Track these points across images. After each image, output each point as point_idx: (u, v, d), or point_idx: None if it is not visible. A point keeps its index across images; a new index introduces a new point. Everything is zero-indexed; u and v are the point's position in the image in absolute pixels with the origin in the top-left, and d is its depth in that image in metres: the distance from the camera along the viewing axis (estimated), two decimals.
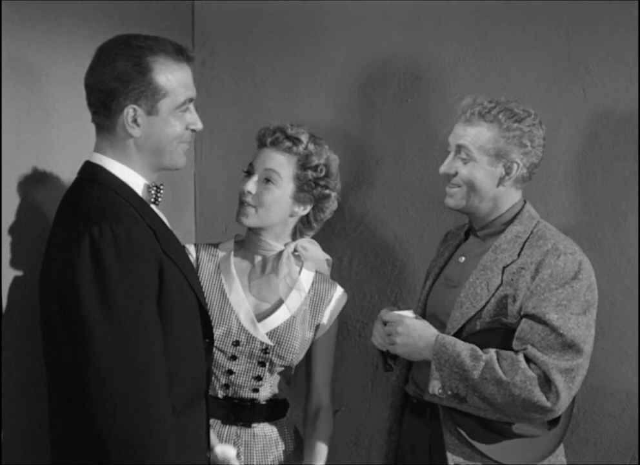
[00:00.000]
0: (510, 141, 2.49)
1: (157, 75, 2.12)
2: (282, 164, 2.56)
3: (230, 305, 2.54)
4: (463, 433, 2.44)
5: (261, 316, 2.59)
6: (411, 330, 2.46)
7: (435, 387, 2.41)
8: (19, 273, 2.33)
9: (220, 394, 2.58)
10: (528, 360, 2.37)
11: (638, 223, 2.88)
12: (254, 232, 2.63)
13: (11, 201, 2.31)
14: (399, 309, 2.61)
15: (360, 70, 3.16)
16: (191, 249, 2.64)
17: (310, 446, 2.65)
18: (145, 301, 2.05)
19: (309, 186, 2.58)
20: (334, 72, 3.18)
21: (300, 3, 3.19)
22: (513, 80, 2.99)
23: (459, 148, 2.52)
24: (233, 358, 2.54)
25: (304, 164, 2.58)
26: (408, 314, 2.52)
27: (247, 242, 2.66)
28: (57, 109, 2.48)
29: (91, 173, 2.16)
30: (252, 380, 2.57)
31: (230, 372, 2.54)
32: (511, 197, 2.55)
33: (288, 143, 2.56)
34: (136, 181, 2.18)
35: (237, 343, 2.53)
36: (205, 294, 2.49)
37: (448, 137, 2.58)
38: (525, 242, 2.49)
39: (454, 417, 2.45)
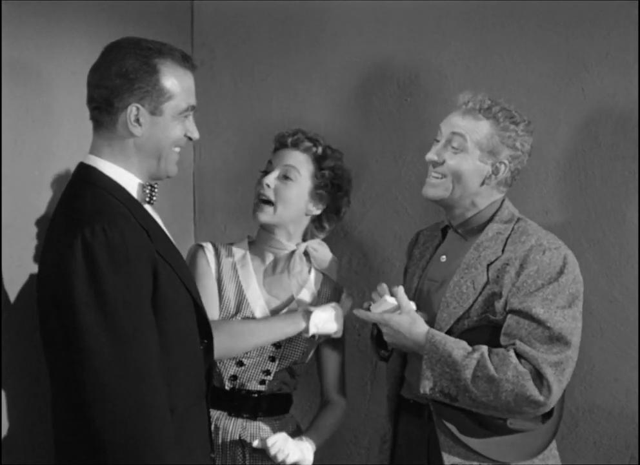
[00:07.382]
0: (504, 141, 2.50)
1: (164, 77, 2.14)
2: (301, 162, 2.67)
3: (246, 300, 2.57)
4: (454, 429, 2.44)
5: (273, 313, 2.64)
6: (396, 331, 2.47)
7: (425, 386, 2.42)
8: (19, 273, 2.33)
9: (227, 385, 2.61)
10: (518, 355, 2.37)
11: (637, 222, 2.89)
12: (268, 230, 2.69)
13: (11, 201, 2.31)
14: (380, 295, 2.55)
15: (359, 70, 3.16)
16: (209, 247, 2.69)
17: (310, 428, 2.68)
18: (139, 302, 2.05)
19: (325, 185, 2.68)
20: (333, 71, 3.18)
21: (299, 3, 3.19)
22: (512, 79, 2.99)
23: (453, 136, 2.51)
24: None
25: (321, 164, 2.68)
26: (391, 302, 2.49)
27: (259, 241, 2.72)
28: (57, 109, 2.48)
29: (84, 174, 2.16)
30: (261, 373, 2.61)
31: (241, 363, 2.57)
32: (490, 197, 2.55)
33: (308, 143, 2.68)
34: (130, 182, 2.18)
35: None
36: (223, 289, 2.55)
37: (440, 125, 2.56)
38: (507, 239, 2.49)
39: (446, 415, 2.45)
